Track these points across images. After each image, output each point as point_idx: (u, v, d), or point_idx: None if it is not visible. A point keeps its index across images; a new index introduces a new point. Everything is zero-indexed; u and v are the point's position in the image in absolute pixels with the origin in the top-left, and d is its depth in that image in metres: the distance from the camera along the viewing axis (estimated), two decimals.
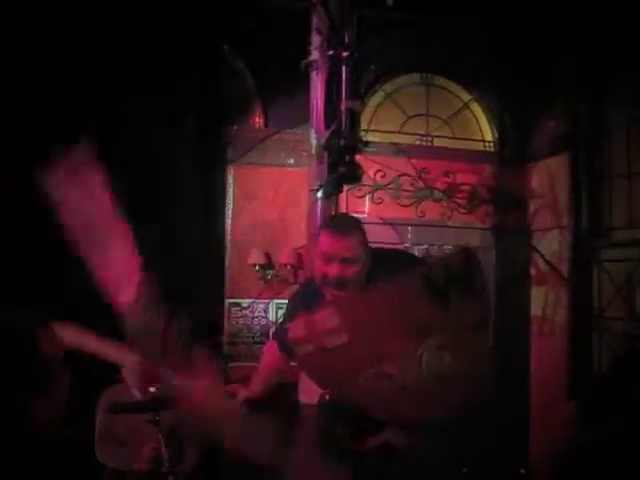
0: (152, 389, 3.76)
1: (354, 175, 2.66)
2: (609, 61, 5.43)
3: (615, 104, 5.52)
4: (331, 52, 2.96)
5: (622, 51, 5.27)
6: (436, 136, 6.11)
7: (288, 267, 5.54)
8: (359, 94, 2.80)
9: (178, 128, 5.21)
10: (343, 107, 2.58)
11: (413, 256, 2.67)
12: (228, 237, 5.68)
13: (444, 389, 2.35)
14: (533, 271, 5.99)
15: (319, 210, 3.17)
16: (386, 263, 2.51)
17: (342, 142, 2.53)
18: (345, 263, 2.42)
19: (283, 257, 5.55)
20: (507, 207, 6.09)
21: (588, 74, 5.58)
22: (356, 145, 2.58)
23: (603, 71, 5.52)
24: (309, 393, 3.04)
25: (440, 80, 6.24)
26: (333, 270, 2.42)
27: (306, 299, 2.61)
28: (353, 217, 2.86)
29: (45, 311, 1.50)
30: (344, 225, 2.56)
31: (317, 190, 3.15)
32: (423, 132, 6.08)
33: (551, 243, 5.80)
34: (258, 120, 5.70)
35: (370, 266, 2.48)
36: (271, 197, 5.72)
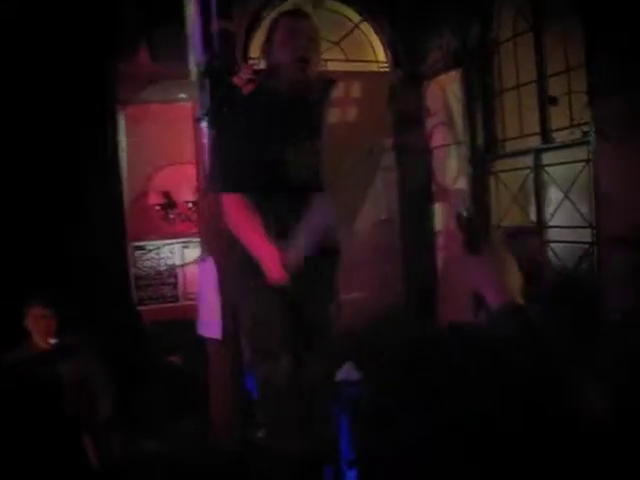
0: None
1: (233, 97, 2.60)
2: None
3: (503, 19, 5.57)
4: None
5: None
6: (329, 59, 6.01)
7: (189, 204, 5.45)
8: (230, 14, 2.72)
9: (58, 70, 4.95)
10: (215, 28, 2.51)
11: None
12: (125, 180, 5.51)
13: None
14: (434, 187, 6.09)
15: (206, 139, 3.09)
16: None
17: (216, 63, 2.46)
18: (311, 43, 2.50)
19: (183, 194, 5.45)
20: (405, 126, 6.13)
21: None
22: (233, 66, 2.52)
23: None
24: (209, 326, 3.02)
25: (329, 2, 6.13)
26: (302, 44, 2.45)
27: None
28: None
29: None
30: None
31: (201, 118, 3.06)
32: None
33: (450, 159, 5.90)
34: (144, 55, 5.47)
35: None
36: (166, 134, 5.55)
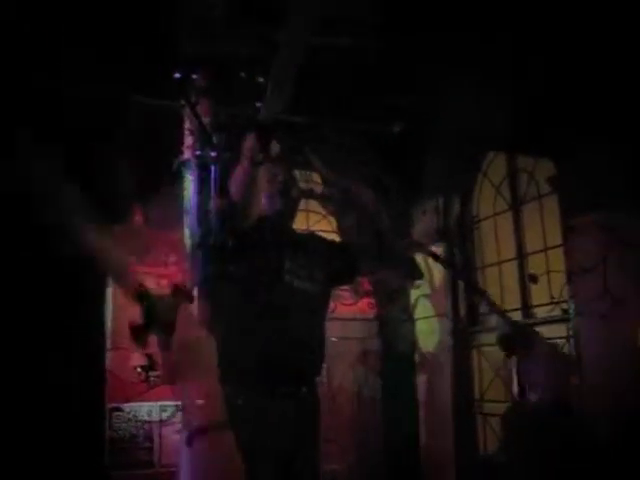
0: None
1: (226, 274, 2.67)
2: (474, 160, 5.80)
3: (483, 198, 5.86)
4: (198, 152, 3.03)
5: (485, 149, 5.65)
6: (318, 231, 6.21)
7: None
8: (228, 193, 2.85)
9: (52, 230, 5.07)
10: (213, 206, 2.63)
11: None
12: (108, 341, 5.48)
13: None
14: (417, 358, 6.11)
15: (196, 308, 3.14)
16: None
17: (211, 241, 2.56)
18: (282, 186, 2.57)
19: None
20: (390, 297, 6.24)
21: (456, 171, 5.92)
22: (227, 244, 2.62)
23: (470, 169, 5.88)
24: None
25: (318, 175, 6.40)
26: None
27: None
28: None
29: None
30: None
31: (192, 288, 3.12)
32: (304, 227, 6.18)
33: (432, 330, 5.95)
34: (137, 219, 5.64)
35: None
36: None
